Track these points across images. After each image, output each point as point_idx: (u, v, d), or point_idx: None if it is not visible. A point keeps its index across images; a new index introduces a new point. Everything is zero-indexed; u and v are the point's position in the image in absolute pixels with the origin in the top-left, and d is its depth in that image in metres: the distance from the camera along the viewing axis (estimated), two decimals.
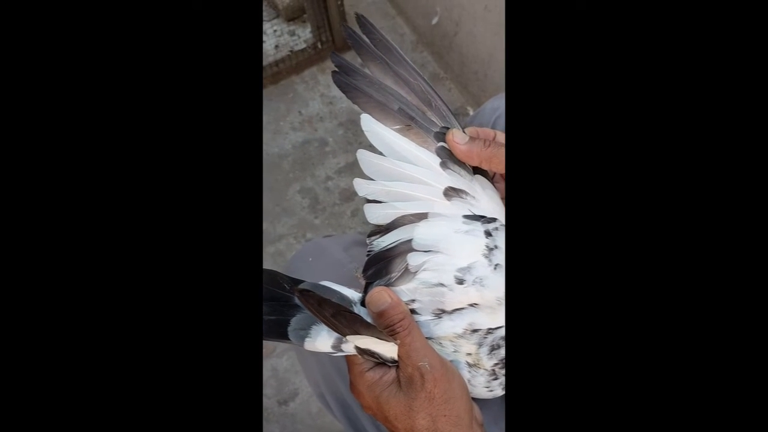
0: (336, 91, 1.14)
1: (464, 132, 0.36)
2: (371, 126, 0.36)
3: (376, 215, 0.37)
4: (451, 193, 0.36)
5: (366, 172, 0.37)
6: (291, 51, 1.10)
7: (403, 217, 0.37)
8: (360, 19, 0.36)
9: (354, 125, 1.10)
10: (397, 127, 0.36)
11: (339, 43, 1.14)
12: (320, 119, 1.11)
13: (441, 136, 0.36)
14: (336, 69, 0.36)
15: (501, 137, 0.39)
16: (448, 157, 0.36)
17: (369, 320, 0.35)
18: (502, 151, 0.35)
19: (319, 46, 1.12)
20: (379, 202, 0.37)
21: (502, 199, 0.38)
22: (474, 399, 0.38)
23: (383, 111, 0.36)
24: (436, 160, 0.36)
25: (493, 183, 0.38)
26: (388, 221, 0.37)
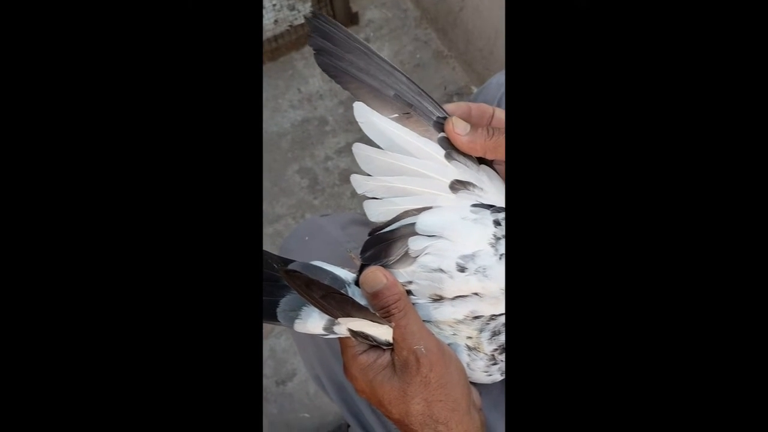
0: None
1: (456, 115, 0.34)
2: (367, 116, 0.33)
3: (377, 213, 0.35)
4: (457, 185, 0.34)
5: (364, 168, 0.34)
6: (290, 26, 1.07)
7: (405, 212, 0.35)
8: (317, 20, 0.32)
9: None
10: (395, 115, 0.33)
11: (341, 18, 1.10)
12: (320, 97, 1.09)
13: (440, 125, 0.34)
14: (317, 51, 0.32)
15: (499, 113, 0.36)
16: (453, 147, 0.34)
17: (363, 302, 0.33)
18: None
19: None
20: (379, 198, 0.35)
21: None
22: (473, 383, 0.37)
23: (378, 98, 0.33)
24: (440, 152, 0.34)
25: (494, 168, 0.36)
26: (390, 218, 0.35)
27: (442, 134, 0.34)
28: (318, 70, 1.11)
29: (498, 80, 0.55)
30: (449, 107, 0.35)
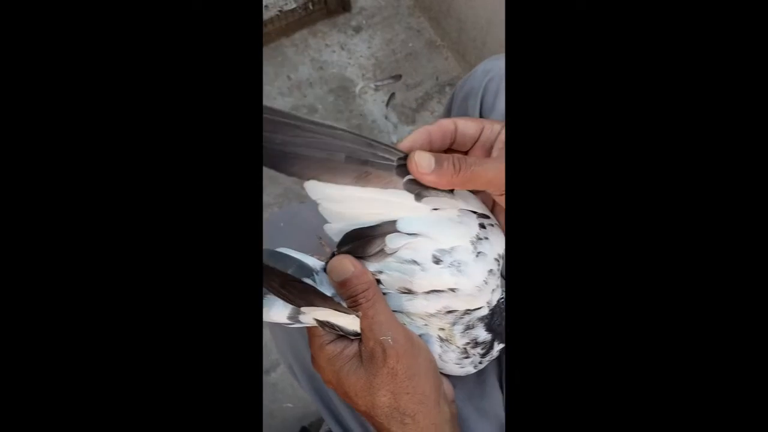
0: (327, 56, 1.09)
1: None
2: (323, 192, 0.30)
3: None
4: (436, 210, 0.33)
5: (336, 224, 0.32)
6: (280, 11, 1.05)
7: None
8: None
9: (345, 92, 1.05)
10: (351, 179, 0.30)
11: (332, 4, 1.08)
12: (310, 85, 1.07)
13: (404, 168, 0.31)
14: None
15: (462, 125, 0.33)
16: (420, 186, 0.31)
17: (330, 290, 0.32)
18: (477, 170, 0.30)
19: (311, 7, 1.07)
20: None
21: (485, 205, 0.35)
22: (446, 375, 0.36)
23: (329, 168, 0.29)
24: (409, 197, 0.31)
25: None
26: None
27: (407, 177, 0.31)
28: (308, 57, 1.10)
29: (484, 67, 0.53)
30: (406, 143, 0.31)
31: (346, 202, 0.31)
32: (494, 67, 0.52)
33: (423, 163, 0.30)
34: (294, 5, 1.06)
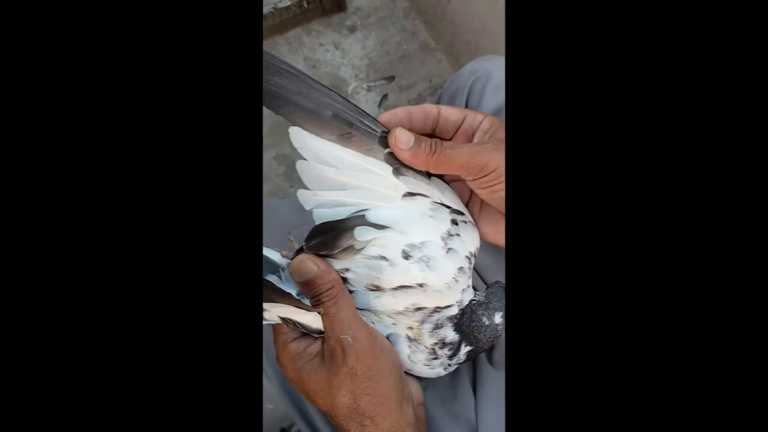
0: (321, 55, 1.09)
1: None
2: (305, 141, 0.31)
3: (325, 218, 0.33)
4: (409, 197, 0.32)
5: (309, 185, 0.32)
6: (274, 8, 1.04)
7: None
8: None
9: (338, 91, 1.05)
10: (335, 136, 0.31)
11: (327, 3, 1.08)
12: None
13: (385, 140, 0.32)
14: None
15: (445, 111, 0.33)
16: (400, 162, 0.32)
17: (294, 287, 0.31)
18: (451, 153, 0.30)
19: (305, 5, 1.07)
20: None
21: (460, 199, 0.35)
22: (417, 377, 0.35)
23: (315, 120, 0.30)
24: (387, 169, 0.32)
25: (446, 180, 0.34)
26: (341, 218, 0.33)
27: (387, 150, 0.32)
28: (301, 55, 1.09)
29: (470, 68, 0.53)
30: (386, 116, 0.32)
31: (327, 162, 0.31)
32: (480, 68, 0.52)
33: (402, 139, 0.31)
34: (288, 3, 1.06)
